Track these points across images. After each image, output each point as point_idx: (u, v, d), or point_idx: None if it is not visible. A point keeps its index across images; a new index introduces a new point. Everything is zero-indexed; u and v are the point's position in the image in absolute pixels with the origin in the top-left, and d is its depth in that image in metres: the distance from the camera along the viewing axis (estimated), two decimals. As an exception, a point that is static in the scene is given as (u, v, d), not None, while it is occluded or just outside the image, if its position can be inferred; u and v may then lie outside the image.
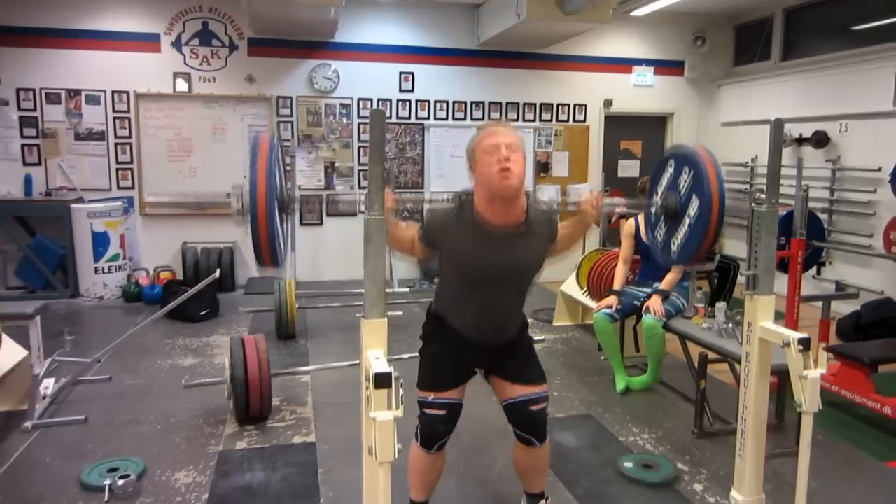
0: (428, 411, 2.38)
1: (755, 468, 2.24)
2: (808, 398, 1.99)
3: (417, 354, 2.52)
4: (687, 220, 2.43)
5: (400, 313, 5.52)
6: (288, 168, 6.59)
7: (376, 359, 1.68)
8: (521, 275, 2.35)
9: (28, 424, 3.62)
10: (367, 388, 1.62)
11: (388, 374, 1.60)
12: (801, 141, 6.91)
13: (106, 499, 2.92)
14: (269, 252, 2.03)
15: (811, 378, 1.99)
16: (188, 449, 3.45)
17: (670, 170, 2.55)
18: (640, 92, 8.22)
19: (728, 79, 8.29)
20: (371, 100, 7.45)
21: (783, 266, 4.29)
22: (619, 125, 8.24)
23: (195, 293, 4.93)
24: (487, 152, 2.16)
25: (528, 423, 2.44)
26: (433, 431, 2.39)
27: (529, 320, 5.76)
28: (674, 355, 4.42)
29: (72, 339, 4.50)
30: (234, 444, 3.49)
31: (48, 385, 4.13)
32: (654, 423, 3.77)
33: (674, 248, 2.56)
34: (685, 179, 2.44)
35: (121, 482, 2.98)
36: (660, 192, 2.60)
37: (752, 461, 2.23)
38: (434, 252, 2.35)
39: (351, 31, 7.28)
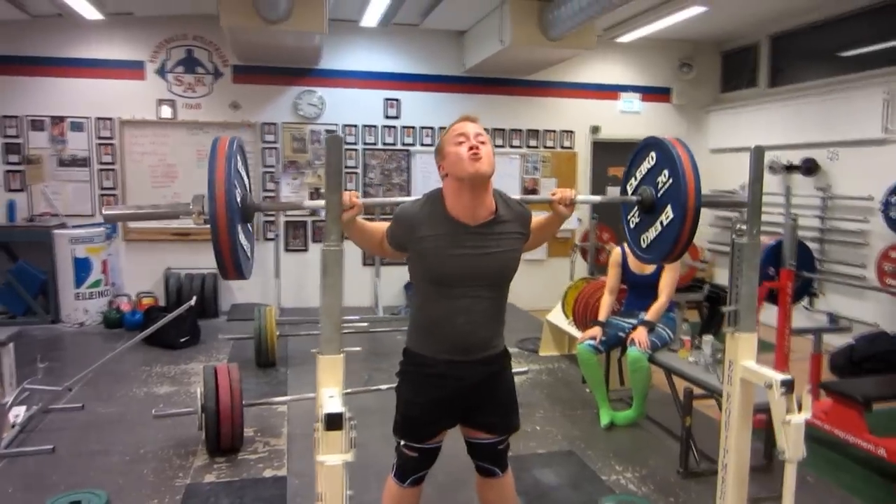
0: (401, 450, 2.31)
1: (737, 514, 2.14)
2: (791, 445, 1.88)
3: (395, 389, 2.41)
4: (659, 223, 2.38)
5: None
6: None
7: (330, 398, 1.59)
8: (493, 275, 2.19)
9: (-6, 455, 3.51)
10: (315, 430, 1.52)
11: (340, 416, 1.51)
12: (790, 168, 6.88)
13: (65, 536, 2.81)
14: (231, 263, 1.92)
15: (794, 423, 1.88)
16: (155, 481, 3.34)
17: (650, 162, 2.46)
18: (627, 118, 8.21)
19: (716, 105, 8.31)
20: (356, 126, 7.42)
21: (773, 297, 4.22)
22: (607, 151, 8.22)
23: (173, 319, 4.85)
24: (456, 141, 2.11)
25: (490, 457, 2.37)
26: (406, 467, 2.31)
27: (514, 350, 5.77)
28: (661, 388, 4.32)
29: (44, 366, 4.39)
30: (202, 477, 3.39)
31: (18, 413, 4.02)
32: (638, 460, 3.66)
33: (643, 243, 2.51)
34: (663, 181, 2.38)
35: (81, 518, 2.88)
36: (637, 178, 2.53)
37: (734, 506, 2.12)
38: (403, 253, 2.24)
39: (336, 58, 7.28)
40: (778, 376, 1.92)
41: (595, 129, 8.12)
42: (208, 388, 3.54)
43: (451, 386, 2.22)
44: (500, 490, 2.42)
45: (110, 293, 6.76)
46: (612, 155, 8.27)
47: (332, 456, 1.48)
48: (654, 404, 4.22)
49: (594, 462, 3.63)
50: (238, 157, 2.09)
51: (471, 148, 2.07)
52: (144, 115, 6.90)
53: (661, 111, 8.33)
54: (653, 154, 2.47)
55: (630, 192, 2.59)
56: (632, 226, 2.61)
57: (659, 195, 2.40)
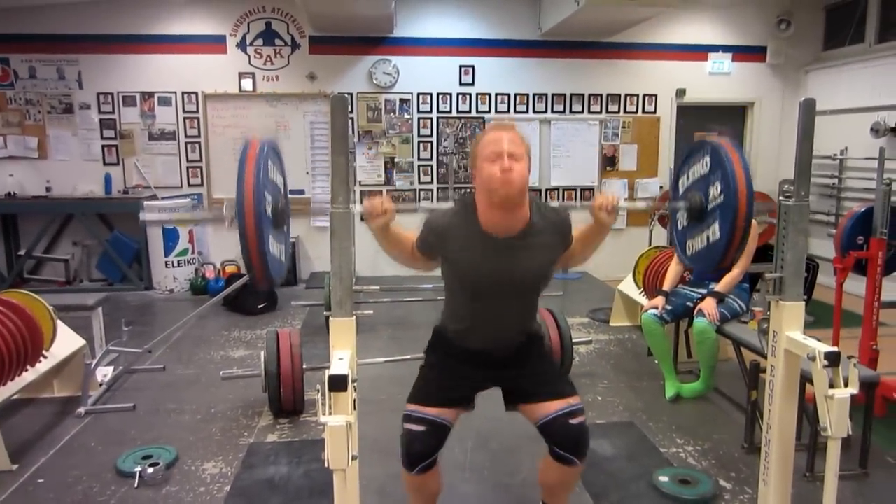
0: (406, 426, 2.23)
1: (781, 496, 2.00)
2: (834, 421, 1.73)
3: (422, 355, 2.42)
4: (706, 237, 2.19)
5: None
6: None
7: (339, 360, 1.60)
8: (524, 286, 2.20)
9: (81, 410, 3.78)
10: (318, 391, 1.53)
11: (345, 377, 1.51)
12: (896, 130, 6.33)
13: (136, 485, 2.99)
14: (260, 270, 1.91)
15: (838, 398, 1.73)
16: (221, 440, 3.50)
17: (704, 168, 2.26)
18: (716, 80, 7.76)
19: (816, 64, 7.71)
20: (431, 94, 7.40)
21: (861, 268, 3.92)
22: (693, 116, 7.82)
23: (251, 287, 5.05)
24: (488, 160, 2.03)
25: (572, 441, 2.19)
26: (410, 450, 2.21)
27: (585, 320, 5.64)
28: (734, 361, 4.12)
29: (129, 329, 4.67)
30: (265, 437, 3.52)
31: (106, 373, 4.32)
32: (701, 434, 3.50)
33: (689, 251, 2.33)
34: (714, 194, 2.16)
35: (150, 470, 3.05)
36: (690, 178, 2.34)
37: (778, 487, 1.99)
38: (435, 261, 2.24)
39: (409, 26, 7.26)
40: (822, 347, 1.77)
41: (681, 93, 7.73)
42: (270, 353, 3.66)
43: (475, 364, 2.25)
44: (568, 476, 2.30)
45: (197, 262, 7.12)
46: (699, 119, 7.87)
47: (335, 417, 1.49)
48: (724, 377, 4.03)
49: (654, 434, 3.51)
50: (270, 161, 2.04)
51: (503, 177, 2.00)
52: (226, 89, 7.15)
53: (754, 72, 7.83)
54: (707, 160, 2.25)
55: (681, 190, 2.41)
56: (679, 227, 2.43)
57: (708, 206, 2.20)
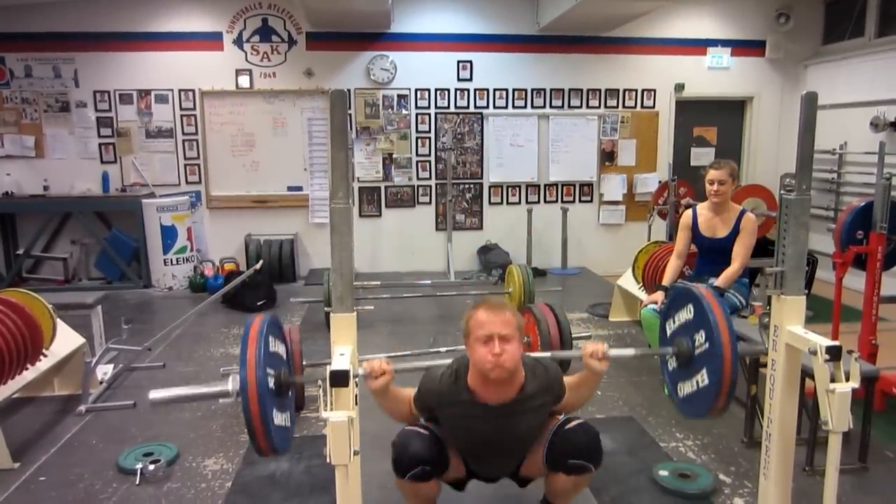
0: (406, 428, 2.27)
1: (781, 490, 2.00)
2: (835, 415, 1.73)
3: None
4: (696, 381, 2.19)
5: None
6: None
7: (341, 355, 1.60)
8: (518, 446, 2.30)
9: (82, 408, 3.78)
10: (319, 386, 1.53)
11: (346, 373, 1.51)
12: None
13: (137, 482, 2.99)
14: (264, 442, 1.94)
15: (839, 392, 1.73)
16: (222, 436, 3.50)
17: (688, 314, 2.26)
18: (715, 75, 7.75)
19: (815, 58, 7.69)
20: (429, 90, 7.38)
21: (860, 263, 3.92)
22: (692, 111, 7.82)
23: (250, 283, 5.04)
24: (480, 341, 2.08)
25: (579, 447, 2.22)
26: (405, 450, 2.21)
27: (584, 315, 5.64)
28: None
29: (128, 327, 4.68)
30: (265, 435, 3.52)
31: (106, 371, 4.32)
32: (700, 428, 3.51)
33: (681, 394, 2.32)
34: (699, 341, 2.17)
35: (151, 467, 3.06)
36: (676, 322, 2.35)
37: (779, 481, 1.99)
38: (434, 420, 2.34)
39: (407, 21, 7.24)
40: (824, 342, 1.77)
41: (679, 87, 7.72)
42: (270, 349, 3.66)
43: None
44: (576, 483, 2.31)
45: (195, 259, 7.11)
46: (697, 114, 7.87)
47: (337, 413, 1.49)
48: (724, 373, 4.03)
49: (654, 429, 3.52)
50: (271, 336, 2.09)
51: (495, 362, 2.06)
52: (223, 86, 7.13)
53: (752, 66, 7.81)
54: (690, 307, 2.26)
55: (668, 333, 2.44)
56: (670, 368, 2.43)
57: (696, 353, 2.21)
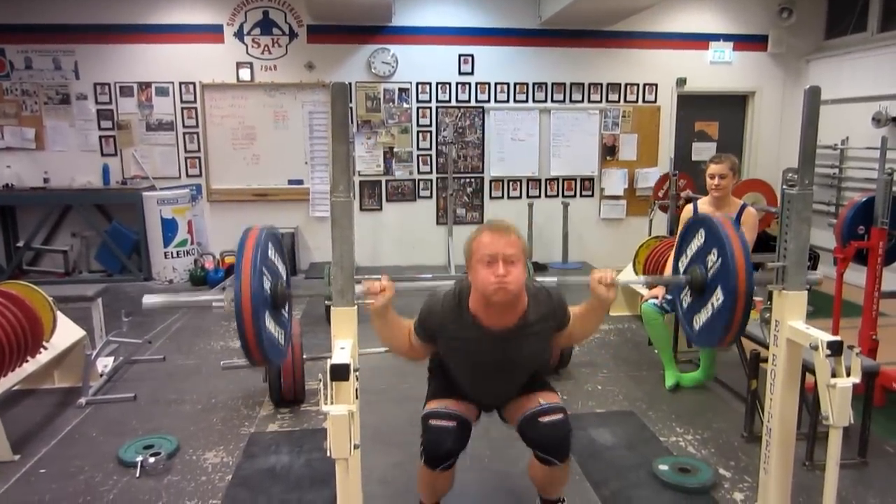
0: (434, 422, 2.21)
1: (781, 484, 2.00)
2: (836, 410, 1.73)
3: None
4: (710, 306, 2.17)
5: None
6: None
7: (341, 349, 1.59)
8: (521, 371, 2.27)
9: (82, 401, 3.79)
10: (319, 380, 1.53)
11: (346, 367, 1.51)
12: (898, 120, 6.30)
13: (137, 475, 3.00)
14: (256, 350, 1.89)
15: (840, 387, 1.73)
16: (222, 429, 3.50)
17: (700, 240, 2.26)
18: (717, 69, 7.73)
19: (818, 53, 7.66)
20: (430, 83, 7.36)
21: (862, 258, 3.92)
22: (694, 105, 7.79)
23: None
24: (483, 262, 2.01)
25: (544, 441, 2.22)
26: (439, 448, 2.19)
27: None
28: (734, 350, 4.13)
29: (128, 320, 4.66)
30: (265, 427, 3.53)
31: (106, 364, 4.32)
32: (700, 423, 3.51)
33: (696, 325, 2.30)
34: (713, 260, 2.16)
35: (152, 460, 3.06)
36: (689, 256, 2.33)
37: (779, 476, 1.99)
38: (433, 345, 2.29)
39: (408, 15, 7.22)
40: (825, 337, 1.77)
41: (681, 82, 7.69)
42: (270, 342, 3.67)
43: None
44: (552, 473, 2.32)
45: (196, 252, 7.11)
46: (699, 109, 7.85)
47: (337, 406, 1.49)
48: (724, 366, 4.04)
49: (654, 423, 3.52)
50: (269, 246, 2.05)
51: (498, 283, 1.99)
52: (224, 79, 7.11)
53: (755, 61, 7.79)
54: (702, 231, 2.26)
55: (682, 269, 2.41)
56: (684, 306, 2.41)
57: (709, 276, 2.19)
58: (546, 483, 2.42)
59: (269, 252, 2.03)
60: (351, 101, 7.26)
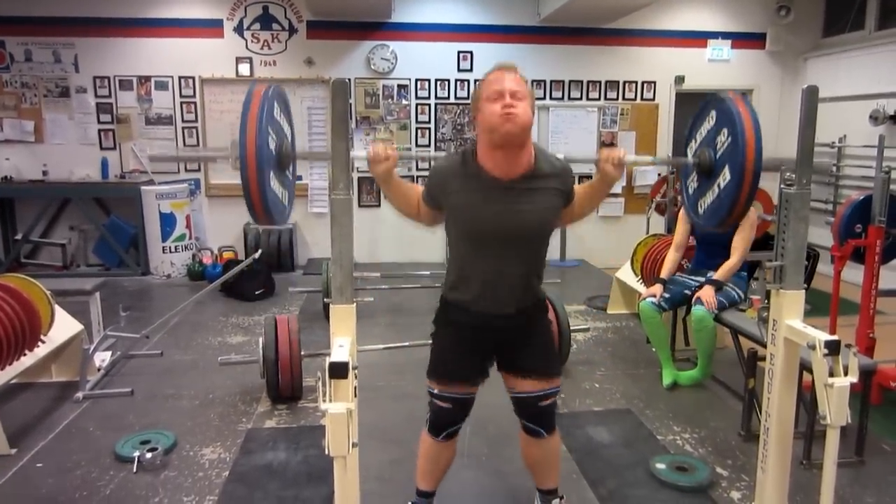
0: (434, 401, 2.31)
1: (779, 483, 2.01)
2: (834, 410, 1.74)
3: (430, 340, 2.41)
4: (717, 187, 2.17)
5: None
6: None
7: (340, 347, 1.60)
8: (527, 230, 2.13)
9: (79, 395, 3.78)
10: (318, 378, 1.53)
11: (345, 365, 1.51)
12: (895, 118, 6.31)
13: (134, 470, 3.00)
14: (260, 207, 1.90)
15: (838, 387, 1.74)
16: (220, 425, 3.50)
17: (710, 122, 2.26)
18: (715, 67, 7.74)
19: (816, 51, 7.67)
20: (429, 80, 7.36)
21: (859, 256, 3.93)
22: (692, 103, 7.69)
23: (248, 272, 5.02)
24: (490, 99, 1.99)
25: (535, 416, 2.32)
26: (440, 421, 2.32)
27: (582, 307, 5.65)
28: (731, 348, 4.13)
29: (126, 314, 4.66)
30: (263, 423, 3.53)
31: (104, 358, 4.32)
32: (698, 421, 3.52)
33: (700, 209, 2.31)
34: (722, 141, 2.16)
35: (149, 455, 3.06)
36: (697, 141, 2.32)
37: (776, 475, 1.99)
38: (440, 213, 2.20)
39: (408, 11, 7.22)
40: (822, 336, 1.77)
41: (679, 80, 7.70)
42: (268, 339, 3.66)
43: (484, 329, 2.22)
44: (542, 450, 2.40)
45: (194, 247, 7.10)
46: (697, 107, 7.81)
47: (336, 404, 1.49)
48: (721, 365, 4.04)
49: (652, 422, 3.53)
50: (276, 104, 2.03)
51: (505, 106, 1.96)
52: (223, 73, 7.11)
53: (753, 59, 7.79)
54: (713, 113, 2.25)
55: (690, 154, 2.39)
56: (690, 191, 2.42)
57: (717, 157, 2.19)
58: (540, 463, 2.44)
59: (275, 111, 2.01)
60: (350, 97, 7.25)
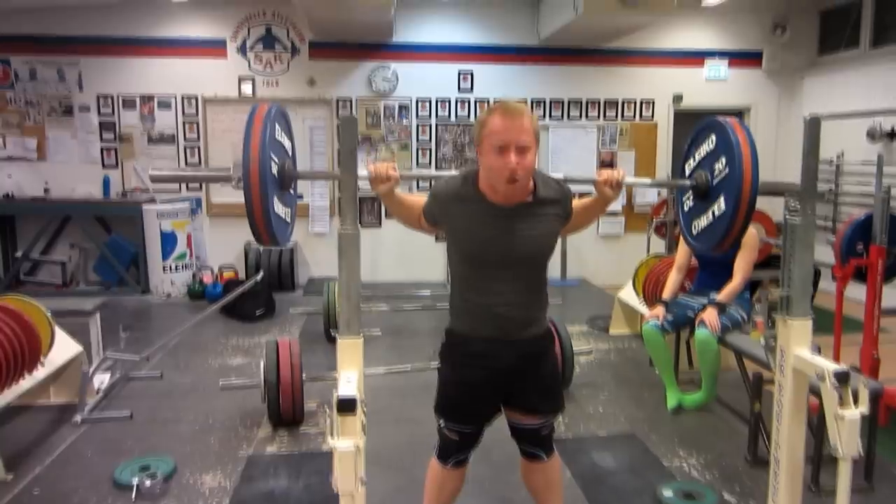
0: (444, 431, 2.29)
1: (789, 512, 1.98)
2: (844, 441, 1.71)
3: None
4: (712, 214, 2.19)
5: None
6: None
7: (347, 381, 1.58)
8: (528, 257, 2.13)
9: (77, 418, 3.74)
10: (327, 413, 1.51)
11: (353, 400, 1.49)
12: (893, 135, 6.33)
13: (133, 498, 2.95)
14: (263, 229, 1.92)
15: (849, 419, 1.72)
16: (220, 451, 3.45)
17: (710, 145, 2.27)
18: (712, 86, 7.77)
19: (812, 69, 7.71)
20: (430, 100, 7.39)
21: (861, 275, 3.92)
22: (690, 122, 7.76)
23: (249, 293, 4.99)
24: (495, 150, 1.97)
25: (535, 442, 2.32)
26: (448, 450, 2.30)
27: (583, 328, 5.62)
28: (736, 370, 4.10)
29: (126, 335, 4.63)
30: (264, 449, 3.48)
31: (103, 380, 4.28)
32: (704, 446, 3.48)
33: (694, 230, 2.34)
34: (720, 169, 2.17)
35: (148, 482, 3.01)
36: (696, 160, 2.33)
37: (786, 504, 1.97)
38: (441, 227, 2.22)
39: (409, 32, 7.26)
40: (831, 366, 1.75)
41: (677, 99, 7.74)
42: (270, 362, 3.62)
43: (489, 366, 2.16)
44: (544, 474, 2.38)
45: (194, 266, 7.08)
46: (695, 126, 7.84)
47: (344, 441, 1.47)
48: (726, 387, 4.00)
49: (657, 447, 3.49)
50: (277, 124, 2.03)
51: (510, 176, 1.97)
52: (226, 93, 7.14)
53: (750, 77, 7.83)
54: (713, 137, 2.26)
55: (688, 173, 2.41)
56: (685, 209, 2.44)
57: (714, 182, 2.21)
58: (543, 488, 2.41)
59: (277, 132, 2.02)
60: (351, 116, 7.28)
